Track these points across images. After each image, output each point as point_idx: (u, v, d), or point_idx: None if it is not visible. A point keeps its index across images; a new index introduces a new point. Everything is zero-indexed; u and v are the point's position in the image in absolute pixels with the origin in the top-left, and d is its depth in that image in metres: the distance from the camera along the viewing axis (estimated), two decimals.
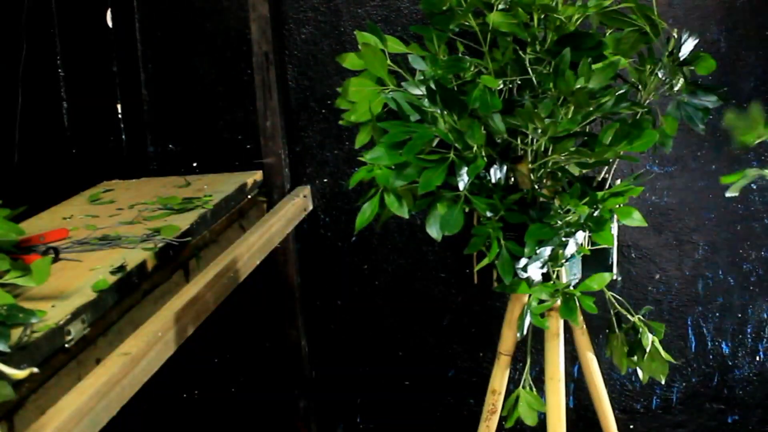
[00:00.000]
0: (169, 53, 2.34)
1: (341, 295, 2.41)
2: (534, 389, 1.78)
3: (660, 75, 1.64)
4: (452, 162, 1.45)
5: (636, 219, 1.59)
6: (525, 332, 1.69)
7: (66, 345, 1.29)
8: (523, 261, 1.57)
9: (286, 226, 2.12)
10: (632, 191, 1.57)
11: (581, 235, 1.63)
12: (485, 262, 1.54)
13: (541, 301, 1.67)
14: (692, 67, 1.66)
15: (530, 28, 1.56)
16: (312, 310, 2.41)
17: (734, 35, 2.14)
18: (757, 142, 1.59)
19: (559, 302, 1.70)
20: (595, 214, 1.57)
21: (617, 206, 1.58)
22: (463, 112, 1.45)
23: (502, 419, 1.82)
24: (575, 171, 1.64)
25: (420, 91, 1.54)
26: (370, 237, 2.35)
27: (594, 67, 1.52)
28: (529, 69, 1.55)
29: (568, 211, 1.55)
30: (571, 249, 1.62)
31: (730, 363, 2.33)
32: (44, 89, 2.23)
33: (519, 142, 1.58)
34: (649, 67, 1.64)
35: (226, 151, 2.35)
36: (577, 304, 1.66)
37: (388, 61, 1.59)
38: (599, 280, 1.68)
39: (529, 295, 1.67)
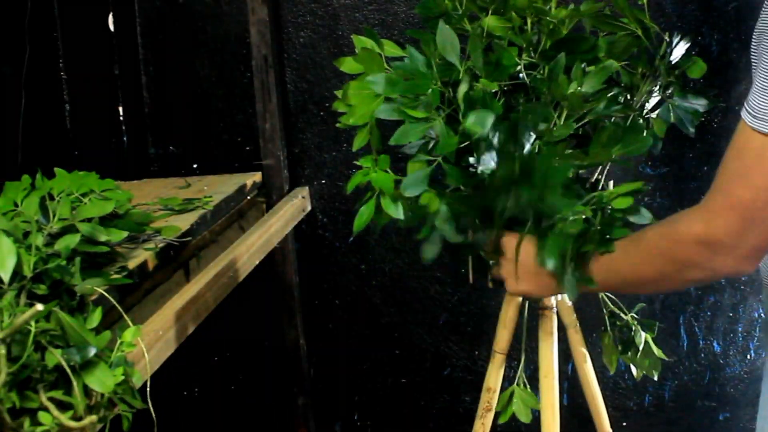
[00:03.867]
0: (169, 56, 2.36)
1: (339, 295, 2.43)
2: (528, 387, 1.80)
3: (652, 78, 1.66)
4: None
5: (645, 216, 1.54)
6: (525, 329, 1.70)
7: None
8: None
9: (284, 226, 2.14)
10: (634, 186, 1.53)
11: None
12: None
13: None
14: (684, 70, 1.68)
15: (525, 33, 1.59)
16: (310, 309, 2.43)
17: (725, 39, 2.17)
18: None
19: (554, 301, 1.72)
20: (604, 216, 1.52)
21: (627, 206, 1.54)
22: None
23: (497, 416, 1.84)
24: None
25: None
26: (368, 237, 2.38)
27: (587, 70, 1.54)
28: (524, 73, 1.58)
29: None
30: None
31: (721, 361, 2.36)
32: (47, 92, 2.25)
33: None
34: (641, 70, 1.66)
35: (225, 152, 2.38)
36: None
37: (385, 65, 1.61)
38: None
39: None
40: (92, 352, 1.07)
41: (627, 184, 1.57)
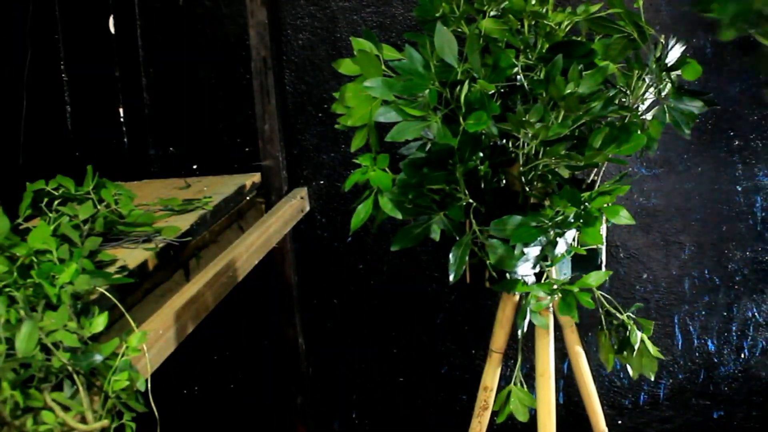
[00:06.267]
0: (169, 58, 2.37)
1: (337, 294, 2.45)
2: (525, 386, 1.81)
3: (647, 80, 1.67)
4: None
5: (624, 217, 1.63)
6: (525, 329, 1.72)
7: None
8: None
9: (283, 226, 2.15)
10: (619, 190, 1.61)
11: (571, 235, 1.66)
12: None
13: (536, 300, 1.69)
14: (679, 73, 1.70)
15: (522, 35, 1.60)
16: (309, 308, 2.45)
17: (720, 41, 2.18)
18: None
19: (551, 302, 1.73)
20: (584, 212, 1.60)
21: (605, 205, 1.62)
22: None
23: (494, 415, 1.85)
24: (565, 173, 1.68)
25: None
26: (366, 237, 2.39)
27: (584, 72, 1.56)
28: (521, 75, 1.59)
29: (558, 212, 1.58)
30: (560, 248, 1.65)
31: (715, 360, 2.37)
32: (48, 93, 2.26)
33: (510, 145, 1.62)
34: (636, 72, 1.67)
35: (225, 153, 2.39)
36: (575, 300, 1.68)
37: (383, 67, 1.62)
38: (596, 277, 1.70)
39: (526, 294, 1.69)
40: (98, 359, 1.08)
41: (608, 183, 1.60)
